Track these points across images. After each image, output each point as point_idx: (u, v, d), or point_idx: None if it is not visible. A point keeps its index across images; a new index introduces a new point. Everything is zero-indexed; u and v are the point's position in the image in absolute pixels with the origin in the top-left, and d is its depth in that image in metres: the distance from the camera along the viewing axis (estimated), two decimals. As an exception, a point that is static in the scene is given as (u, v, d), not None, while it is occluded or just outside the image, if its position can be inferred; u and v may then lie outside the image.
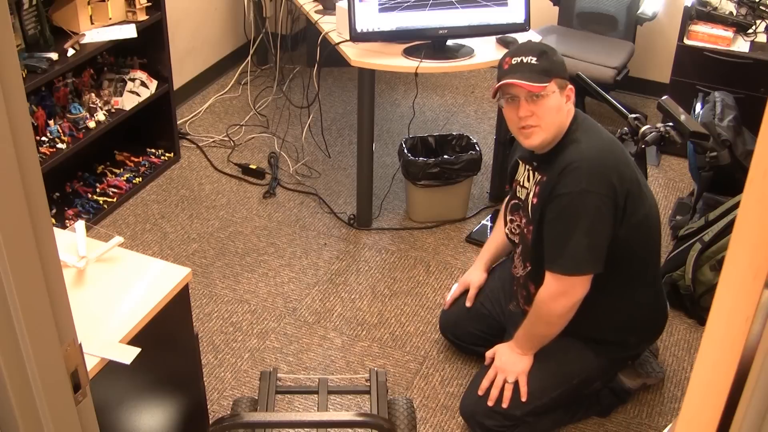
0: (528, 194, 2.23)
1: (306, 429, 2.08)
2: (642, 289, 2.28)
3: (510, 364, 2.25)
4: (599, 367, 2.31)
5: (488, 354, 2.33)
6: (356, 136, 3.25)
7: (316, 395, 2.14)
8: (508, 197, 2.40)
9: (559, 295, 2.12)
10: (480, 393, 2.26)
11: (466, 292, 2.62)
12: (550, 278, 2.13)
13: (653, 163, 3.78)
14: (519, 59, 2.09)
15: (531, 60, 2.07)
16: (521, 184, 2.29)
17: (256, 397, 2.13)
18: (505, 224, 2.38)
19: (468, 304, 2.56)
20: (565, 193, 2.06)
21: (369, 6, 2.88)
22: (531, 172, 2.25)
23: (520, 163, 2.32)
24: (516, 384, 2.25)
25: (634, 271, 2.22)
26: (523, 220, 2.26)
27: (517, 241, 2.31)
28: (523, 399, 2.23)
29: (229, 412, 2.22)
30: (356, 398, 2.54)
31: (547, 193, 2.12)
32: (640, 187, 2.17)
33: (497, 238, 2.59)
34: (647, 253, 2.27)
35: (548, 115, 2.08)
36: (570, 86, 2.13)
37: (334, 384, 2.39)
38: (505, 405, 2.23)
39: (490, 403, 2.24)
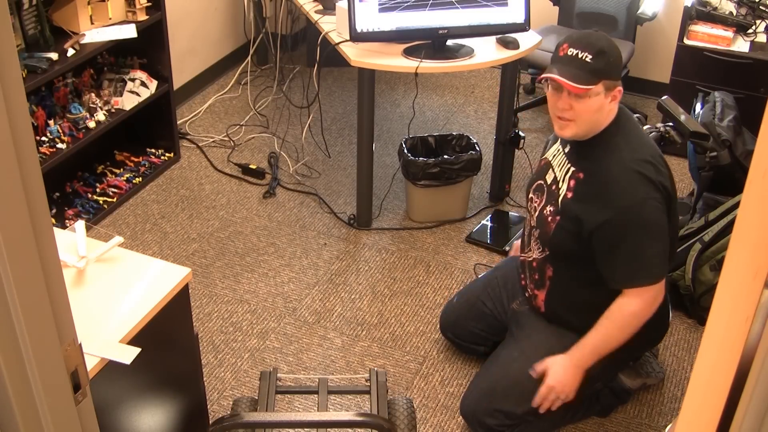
0: (559, 184, 2.21)
1: (306, 429, 2.08)
2: None
3: (566, 383, 2.20)
4: (601, 367, 2.31)
5: (539, 369, 2.23)
6: (356, 136, 3.25)
7: (316, 395, 2.14)
8: (534, 176, 2.38)
9: (649, 306, 2.13)
10: (533, 405, 2.23)
11: (469, 295, 2.62)
12: (635, 293, 2.12)
13: (653, 163, 3.77)
14: (575, 52, 2.05)
15: (586, 57, 2.04)
16: (552, 167, 2.28)
17: (256, 397, 2.13)
18: (527, 202, 2.39)
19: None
20: (626, 206, 2.06)
21: (369, 6, 2.88)
22: (564, 159, 2.23)
23: (558, 143, 2.31)
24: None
25: None
26: (549, 207, 2.23)
27: (534, 224, 2.30)
28: (574, 402, 2.22)
29: (229, 412, 2.22)
30: (356, 398, 2.54)
31: (591, 199, 2.11)
32: (674, 188, 2.19)
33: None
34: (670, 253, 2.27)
35: (586, 113, 2.08)
36: (619, 87, 2.10)
37: (334, 384, 2.40)
38: (542, 411, 2.23)
39: (541, 411, 2.23)
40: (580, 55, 2.05)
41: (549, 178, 2.27)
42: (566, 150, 2.23)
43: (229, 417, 1.78)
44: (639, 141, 2.15)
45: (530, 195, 2.36)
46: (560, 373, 2.19)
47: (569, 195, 2.17)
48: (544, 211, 2.24)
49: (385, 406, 2.07)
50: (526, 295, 2.40)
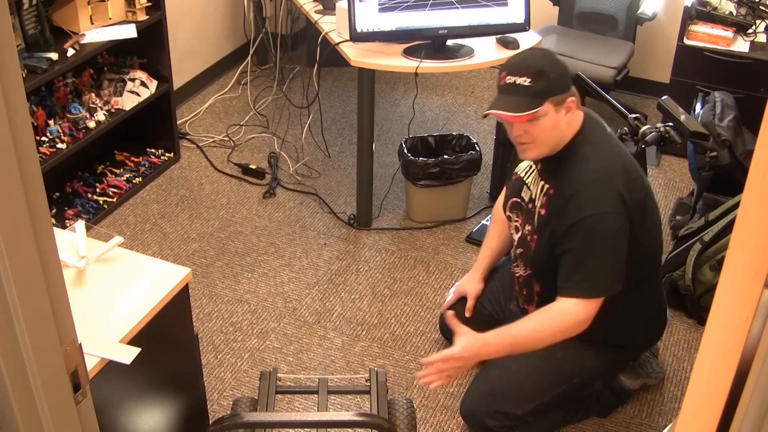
0: (534, 200, 2.20)
1: (306, 429, 2.08)
2: (645, 293, 2.28)
3: (466, 360, 2.07)
4: (600, 367, 2.31)
5: (460, 331, 2.10)
6: (356, 136, 3.25)
7: (316, 395, 2.14)
8: (508, 193, 2.37)
9: (587, 320, 2.08)
10: (423, 362, 2.11)
11: (462, 298, 2.62)
12: (575, 304, 2.06)
13: (653, 163, 3.78)
14: (513, 80, 2.03)
15: (525, 81, 2.01)
16: (527, 184, 2.26)
17: (256, 397, 2.13)
18: (507, 220, 2.37)
19: (467, 314, 2.50)
20: (582, 218, 2.03)
21: (369, 6, 2.88)
22: (537, 175, 2.22)
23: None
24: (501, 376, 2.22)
25: (637, 275, 2.22)
26: (527, 227, 2.22)
27: (516, 243, 2.30)
28: (434, 387, 2.10)
29: (229, 412, 2.22)
30: (356, 398, 2.54)
31: (559, 212, 2.09)
32: (647, 195, 2.16)
33: (492, 244, 2.56)
34: (650, 257, 2.26)
35: (542, 133, 2.05)
36: (571, 97, 2.06)
37: (334, 384, 2.39)
38: (433, 387, 2.10)
39: (420, 382, 2.10)
40: (518, 81, 2.02)
41: (525, 195, 2.26)
42: (539, 167, 2.21)
43: (229, 417, 1.78)
44: (607, 150, 2.11)
45: (508, 213, 2.34)
46: (472, 350, 2.06)
47: (543, 212, 2.16)
48: (524, 231, 2.24)
49: (385, 406, 2.07)
50: (519, 307, 2.40)
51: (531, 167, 2.26)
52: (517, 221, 2.30)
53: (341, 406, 2.52)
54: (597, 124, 2.16)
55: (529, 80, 2.01)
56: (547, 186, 2.16)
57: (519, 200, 2.29)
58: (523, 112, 2.01)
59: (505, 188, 2.46)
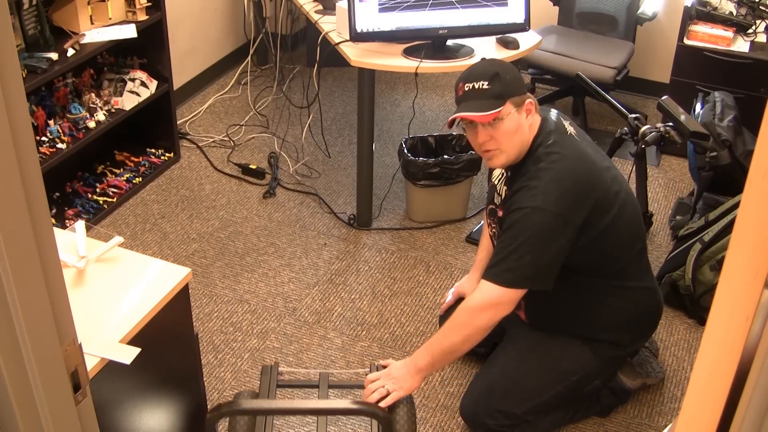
0: (500, 205, 2.24)
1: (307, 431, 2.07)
2: (631, 287, 2.27)
3: (398, 377, 2.07)
4: (597, 364, 2.31)
5: (382, 362, 2.16)
6: (356, 136, 3.25)
7: (316, 389, 2.14)
8: (487, 199, 2.39)
9: (490, 307, 2.05)
10: (364, 398, 2.09)
11: (462, 300, 2.62)
12: (485, 286, 2.06)
13: (653, 163, 3.78)
14: (471, 85, 2.07)
15: (483, 85, 2.05)
16: (497, 190, 2.29)
17: (257, 391, 2.13)
18: (489, 227, 2.39)
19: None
20: (517, 208, 2.05)
21: (369, 6, 2.88)
22: (506, 179, 2.23)
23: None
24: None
25: (617, 271, 2.22)
26: (498, 230, 2.25)
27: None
28: (383, 405, 2.01)
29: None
30: (357, 392, 2.54)
31: (506, 210, 2.12)
32: (608, 194, 2.11)
33: (488, 245, 2.54)
34: (626, 250, 2.22)
35: (506, 137, 2.07)
36: (529, 99, 2.10)
37: (335, 378, 2.40)
38: (384, 405, 2.06)
39: (365, 398, 2.07)
40: (476, 86, 2.06)
41: (497, 201, 2.28)
42: (508, 173, 2.23)
43: (226, 404, 1.77)
44: (560, 152, 2.08)
45: (488, 220, 2.36)
46: (398, 366, 2.09)
47: (500, 213, 2.20)
48: (498, 235, 2.25)
49: None
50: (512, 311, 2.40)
51: (502, 174, 2.27)
52: (493, 228, 2.32)
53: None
54: (556, 127, 2.14)
55: (486, 83, 2.06)
56: (506, 189, 2.20)
57: (493, 206, 2.31)
58: (487, 111, 2.04)
59: None
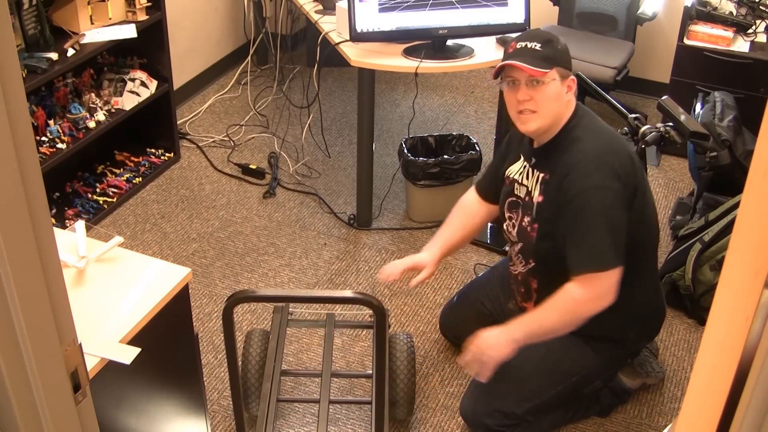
0: (530, 192, 2.23)
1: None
2: (640, 286, 2.28)
3: (492, 345, 2.11)
4: (599, 364, 2.31)
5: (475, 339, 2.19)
6: (356, 136, 3.25)
7: (323, 328, 2.34)
8: (503, 196, 2.37)
9: (594, 300, 2.08)
10: (460, 363, 2.19)
11: (463, 302, 2.62)
12: (582, 281, 2.07)
13: (653, 163, 3.78)
14: (524, 44, 2.11)
15: (535, 46, 2.09)
16: (519, 181, 2.28)
17: (269, 330, 2.34)
18: (503, 221, 2.37)
19: (413, 285, 2.39)
20: (578, 192, 2.06)
21: (369, 6, 2.88)
22: (530, 170, 2.24)
23: (521, 158, 2.30)
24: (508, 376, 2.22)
25: (632, 266, 2.22)
26: (526, 218, 2.24)
27: (515, 239, 2.30)
28: (483, 380, 2.14)
29: (242, 347, 2.44)
30: (360, 346, 2.54)
31: (555, 193, 2.12)
32: (644, 182, 2.18)
33: (458, 223, 2.49)
34: (645, 248, 2.26)
35: (547, 102, 2.09)
36: (572, 77, 2.14)
37: (340, 319, 2.64)
38: (483, 380, 2.15)
39: (470, 373, 2.15)
40: (529, 45, 2.10)
41: (521, 192, 2.27)
42: (532, 162, 2.23)
43: (241, 291, 1.83)
44: (600, 132, 2.16)
45: (507, 214, 2.34)
46: (492, 335, 2.12)
47: (540, 199, 2.18)
48: (523, 223, 2.25)
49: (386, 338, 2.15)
50: (518, 305, 2.40)
51: (524, 167, 2.27)
52: (513, 218, 2.30)
53: (342, 352, 2.52)
54: (588, 111, 2.22)
55: (539, 45, 2.09)
56: (542, 175, 2.19)
57: (515, 198, 2.30)
58: (537, 68, 2.06)
59: (485, 175, 2.51)
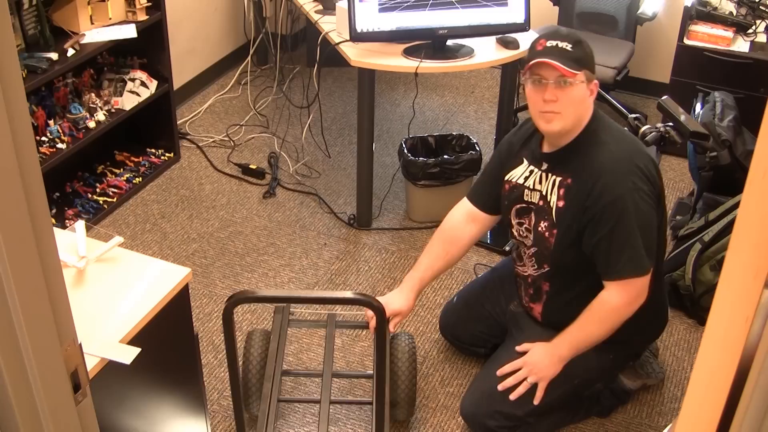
0: (545, 197, 2.19)
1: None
2: (651, 289, 2.27)
3: (541, 366, 2.21)
4: (601, 367, 2.31)
5: (524, 347, 2.27)
6: (356, 136, 3.25)
7: (324, 329, 2.33)
8: (508, 203, 2.32)
9: (630, 303, 2.11)
10: (499, 374, 2.24)
11: (465, 303, 2.61)
12: (620, 286, 2.10)
13: (653, 163, 3.78)
14: (555, 43, 2.07)
15: (566, 46, 2.06)
16: (530, 187, 2.23)
17: (270, 330, 2.35)
18: (510, 226, 2.35)
19: (391, 330, 2.35)
20: (615, 197, 2.05)
21: (369, 6, 2.88)
22: (543, 174, 2.20)
23: (525, 163, 2.27)
24: (530, 385, 2.24)
25: None
26: (543, 224, 2.20)
27: (529, 243, 2.26)
28: (536, 403, 2.21)
29: (242, 348, 2.43)
30: (361, 346, 2.54)
31: (583, 197, 2.10)
32: (662, 183, 2.20)
33: (433, 264, 2.40)
34: (659, 249, 2.25)
35: (571, 104, 2.07)
36: (595, 81, 2.13)
37: (341, 320, 2.63)
38: (512, 397, 2.21)
39: (500, 388, 2.22)
40: (560, 45, 2.07)
41: (532, 197, 2.24)
42: (544, 167, 2.21)
43: (241, 292, 1.86)
44: (622, 135, 2.17)
45: (516, 219, 2.29)
46: (539, 355, 2.21)
47: (561, 204, 2.16)
48: (539, 228, 2.21)
49: (386, 338, 2.16)
50: (523, 305, 2.39)
51: (532, 171, 2.24)
52: (526, 224, 2.26)
53: (343, 352, 2.52)
54: (604, 115, 2.22)
55: (570, 46, 2.07)
56: (560, 179, 2.16)
57: (525, 204, 2.26)
58: (570, 68, 2.04)
59: (482, 184, 2.45)
